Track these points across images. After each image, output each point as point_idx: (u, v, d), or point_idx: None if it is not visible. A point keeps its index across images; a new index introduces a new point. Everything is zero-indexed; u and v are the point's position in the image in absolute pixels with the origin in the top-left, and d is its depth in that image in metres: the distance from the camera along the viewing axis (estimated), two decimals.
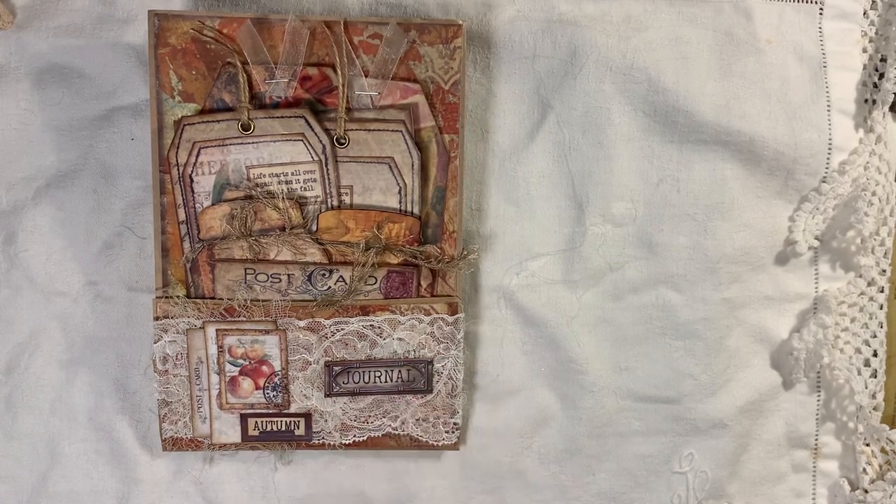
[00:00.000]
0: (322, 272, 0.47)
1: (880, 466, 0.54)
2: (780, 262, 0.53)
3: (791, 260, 0.53)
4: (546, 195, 0.51)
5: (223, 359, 0.48)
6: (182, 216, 0.46)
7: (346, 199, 0.46)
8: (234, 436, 0.49)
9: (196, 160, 0.45)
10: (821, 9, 0.51)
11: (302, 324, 0.47)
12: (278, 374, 0.48)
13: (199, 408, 0.48)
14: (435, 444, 0.50)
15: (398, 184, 0.46)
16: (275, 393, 0.48)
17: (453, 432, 0.50)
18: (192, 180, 0.45)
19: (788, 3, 0.51)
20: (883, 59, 0.52)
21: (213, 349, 0.47)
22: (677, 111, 0.50)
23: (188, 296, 0.47)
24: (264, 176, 0.46)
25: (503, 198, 0.51)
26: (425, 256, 0.47)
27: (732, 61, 0.50)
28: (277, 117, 0.45)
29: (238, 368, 0.48)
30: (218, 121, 0.45)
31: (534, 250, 0.51)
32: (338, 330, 0.48)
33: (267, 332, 0.47)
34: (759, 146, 0.50)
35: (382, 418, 0.49)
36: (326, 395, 0.48)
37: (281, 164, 0.46)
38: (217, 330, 0.47)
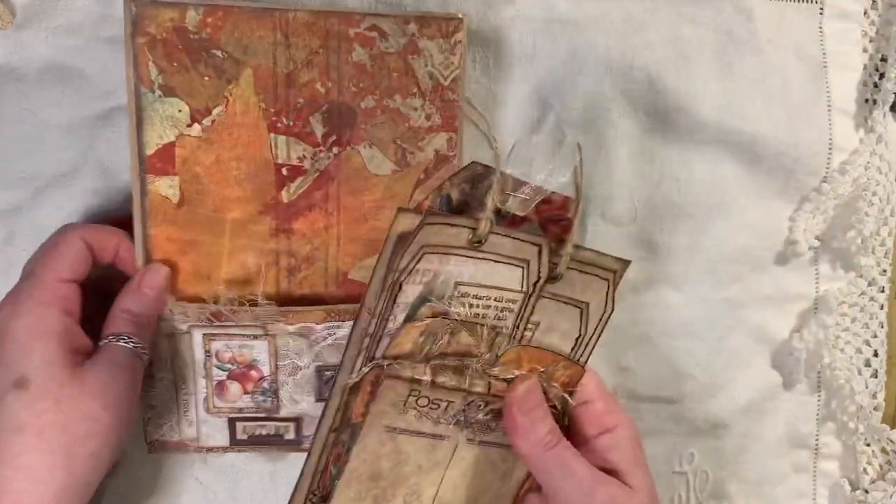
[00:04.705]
0: (479, 404, 0.42)
1: (881, 466, 0.54)
2: (781, 262, 0.53)
3: (791, 260, 0.53)
4: None
5: (210, 363, 0.46)
6: (372, 328, 0.39)
7: (528, 335, 0.42)
8: (222, 440, 0.48)
9: (414, 266, 0.38)
10: (821, 9, 0.51)
11: (292, 329, 0.46)
12: (267, 379, 0.46)
13: (185, 411, 0.47)
14: None
15: (580, 331, 0.43)
16: (263, 398, 0.47)
17: None
18: (400, 288, 0.38)
19: (788, 3, 0.51)
20: (883, 59, 0.52)
21: (199, 354, 0.46)
22: (677, 111, 0.50)
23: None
24: (468, 296, 0.40)
25: None
26: None
27: (733, 61, 0.50)
28: (513, 237, 0.39)
29: (226, 373, 0.46)
30: (452, 225, 0.38)
31: None
32: (329, 335, 0.46)
33: (255, 336, 0.46)
34: (759, 146, 0.50)
35: None
36: (317, 400, 0.47)
37: (488, 287, 0.40)
38: (204, 335, 0.45)
